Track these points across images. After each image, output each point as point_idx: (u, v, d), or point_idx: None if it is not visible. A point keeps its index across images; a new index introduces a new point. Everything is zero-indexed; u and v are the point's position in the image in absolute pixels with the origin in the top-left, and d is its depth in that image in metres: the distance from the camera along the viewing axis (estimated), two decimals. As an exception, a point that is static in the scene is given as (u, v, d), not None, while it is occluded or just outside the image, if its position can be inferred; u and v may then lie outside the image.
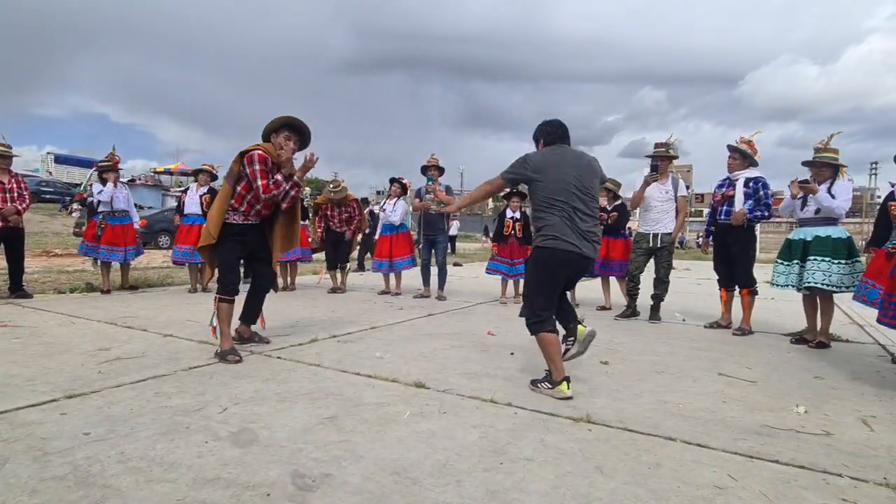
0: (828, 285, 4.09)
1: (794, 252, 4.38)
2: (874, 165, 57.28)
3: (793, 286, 4.38)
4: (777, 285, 4.48)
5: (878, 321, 3.33)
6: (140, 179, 36.29)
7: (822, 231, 4.22)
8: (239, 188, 3.52)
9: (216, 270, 3.59)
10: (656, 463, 2.02)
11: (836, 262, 4.09)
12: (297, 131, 3.63)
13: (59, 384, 2.78)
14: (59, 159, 38.17)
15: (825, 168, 4.25)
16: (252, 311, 3.82)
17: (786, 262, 4.42)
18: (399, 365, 3.37)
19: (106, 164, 6.64)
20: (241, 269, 3.90)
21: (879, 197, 36.77)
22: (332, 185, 7.56)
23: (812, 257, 4.18)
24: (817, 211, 4.24)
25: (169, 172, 40.86)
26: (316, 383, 2.94)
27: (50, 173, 35.53)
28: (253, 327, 3.90)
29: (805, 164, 4.39)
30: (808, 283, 4.16)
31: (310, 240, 7.67)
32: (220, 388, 2.79)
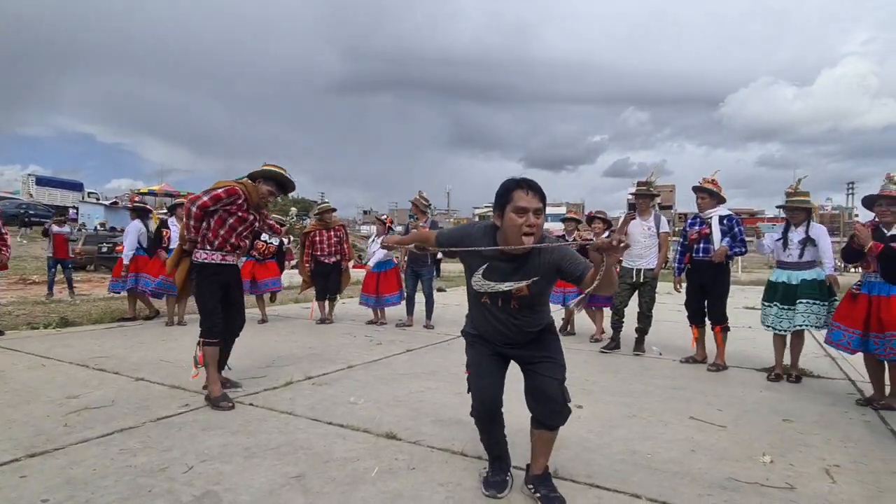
0: (818, 327, 4.24)
1: (778, 294, 4.44)
2: (851, 185, 58.85)
3: (779, 329, 4.43)
4: (771, 328, 4.51)
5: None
6: (122, 201, 35.87)
7: (808, 274, 4.32)
8: (213, 221, 3.54)
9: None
10: (620, 525, 2.03)
11: (823, 303, 4.23)
12: (281, 186, 3.79)
13: (21, 440, 2.73)
14: (41, 181, 37.80)
15: (798, 212, 4.40)
16: (222, 358, 3.76)
17: (779, 305, 4.44)
18: (372, 412, 3.35)
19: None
20: None
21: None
22: (321, 201, 7.55)
23: (805, 300, 4.26)
24: (801, 255, 4.35)
25: (153, 194, 40.46)
26: (286, 435, 2.91)
27: (30, 195, 35.10)
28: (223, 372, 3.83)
29: (779, 207, 4.53)
30: (803, 325, 4.24)
31: (296, 270, 7.67)
32: (188, 443, 2.76)
